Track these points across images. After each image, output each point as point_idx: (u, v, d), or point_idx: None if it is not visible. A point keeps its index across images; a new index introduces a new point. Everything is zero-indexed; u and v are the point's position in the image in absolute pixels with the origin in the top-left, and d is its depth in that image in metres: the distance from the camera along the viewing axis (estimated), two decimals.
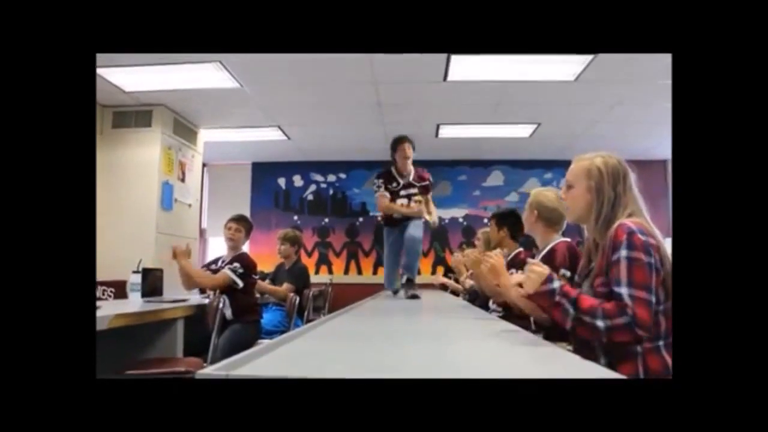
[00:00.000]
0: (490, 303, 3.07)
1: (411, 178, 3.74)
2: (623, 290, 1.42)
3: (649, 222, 1.57)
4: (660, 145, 6.34)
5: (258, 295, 4.00)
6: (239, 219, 3.75)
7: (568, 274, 2.22)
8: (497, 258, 2.13)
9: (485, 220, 6.89)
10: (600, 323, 1.43)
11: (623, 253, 1.46)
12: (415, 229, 3.59)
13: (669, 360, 1.42)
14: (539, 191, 2.52)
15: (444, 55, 3.98)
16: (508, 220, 3.23)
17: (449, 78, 4.37)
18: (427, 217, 3.69)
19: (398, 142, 3.69)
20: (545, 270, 1.59)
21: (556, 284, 1.55)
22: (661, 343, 1.44)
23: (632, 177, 1.64)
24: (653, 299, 1.42)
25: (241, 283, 3.43)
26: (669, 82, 4.32)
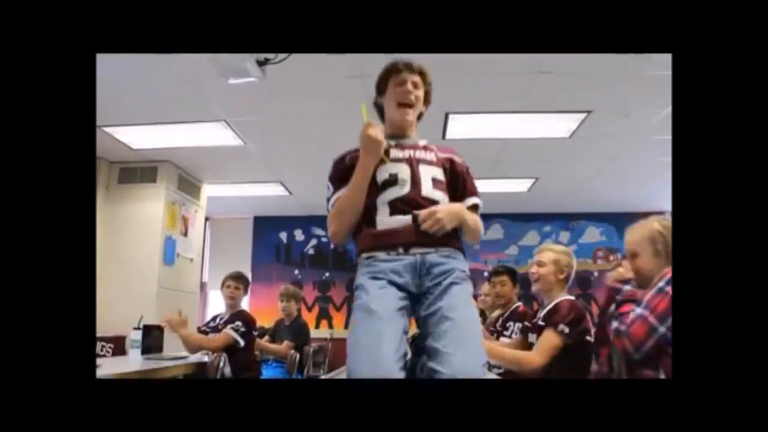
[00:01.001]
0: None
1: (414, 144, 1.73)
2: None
3: None
4: (656, 197, 6.41)
5: (257, 352, 3.98)
6: (237, 277, 3.76)
7: (567, 330, 2.24)
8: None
9: (485, 274, 6.89)
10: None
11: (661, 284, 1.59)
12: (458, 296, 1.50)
13: None
14: (566, 251, 2.57)
15: (442, 114, 4.10)
16: (519, 277, 3.34)
17: (447, 136, 4.49)
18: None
19: (391, 72, 1.74)
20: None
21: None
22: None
23: None
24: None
25: (242, 342, 3.44)
26: (663, 137, 4.46)
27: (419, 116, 1.76)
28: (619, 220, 6.89)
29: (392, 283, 1.46)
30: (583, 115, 4.13)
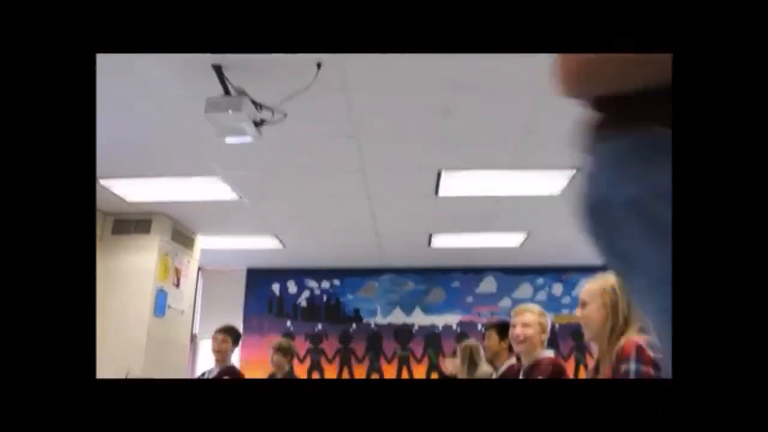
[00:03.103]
0: None
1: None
2: None
3: (656, 338, 1.63)
4: None
5: None
6: (227, 330, 3.73)
7: None
8: None
9: (479, 326, 6.86)
10: None
11: (632, 366, 1.51)
12: None
13: None
14: (543, 312, 2.61)
15: (435, 172, 4.18)
16: (509, 332, 3.28)
17: (440, 194, 4.56)
18: None
19: None
20: None
21: None
22: None
23: None
24: None
25: None
26: None
27: None
28: None
29: None
30: (573, 172, 4.21)
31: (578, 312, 1.84)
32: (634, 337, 1.58)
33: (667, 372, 1.51)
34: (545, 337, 2.52)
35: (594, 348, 1.82)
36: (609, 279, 1.76)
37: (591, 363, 1.88)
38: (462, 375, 3.75)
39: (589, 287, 1.81)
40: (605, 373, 1.63)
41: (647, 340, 1.57)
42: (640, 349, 1.53)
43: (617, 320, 1.68)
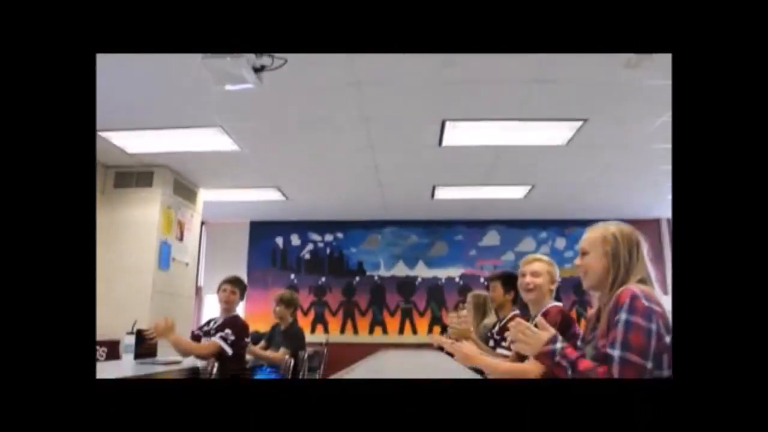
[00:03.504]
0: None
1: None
2: (615, 352, 1.45)
3: (658, 290, 1.60)
4: (653, 205, 6.43)
5: (250, 358, 3.97)
6: (234, 281, 3.74)
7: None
8: (468, 347, 2.26)
9: (482, 280, 6.90)
10: None
11: (623, 316, 1.49)
12: None
13: None
14: (553, 262, 2.59)
15: (439, 121, 4.10)
16: (515, 283, 3.27)
17: (444, 143, 4.49)
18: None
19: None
20: (548, 332, 1.65)
21: (559, 345, 1.60)
22: None
23: (645, 246, 1.70)
24: (648, 365, 1.43)
25: (230, 351, 3.42)
26: (660, 146, 4.47)
27: None
28: None
29: None
30: (579, 123, 4.14)
31: (578, 261, 1.82)
32: (631, 286, 1.55)
33: (661, 321, 1.48)
34: (554, 287, 2.51)
35: (594, 300, 1.80)
36: (610, 227, 1.73)
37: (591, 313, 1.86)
38: (468, 323, 3.77)
39: (590, 236, 1.77)
40: (601, 326, 1.61)
41: (644, 290, 1.54)
42: (634, 299, 1.50)
43: (618, 269, 1.65)
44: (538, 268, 2.53)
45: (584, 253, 1.77)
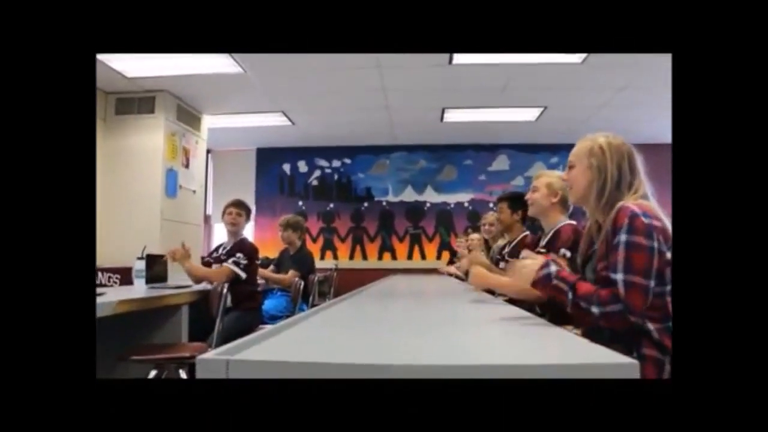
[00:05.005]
0: None
1: None
2: (618, 276, 1.40)
3: (656, 204, 1.54)
4: (668, 129, 6.25)
5: (262, 281, 4.00)
6: (239, 204, 3.73)
7: (568, 254, 2.22)
8: (477, 270, 2.31)
9: (491, 205, 6.86)
10: (595, 309, 1.42)
11: (623, 237, 1.43)
12: None
13: None
14: (559, 175, 2.51)
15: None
16: (522, 204, 3.20)
17: (454, 61, 4.32)
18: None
19: None
20: (537, 260, 1.60)
21: (553, 269, 1.54)
22: (670, 323, 1.42)
23: (639, 159, 1.61)
24: (651, 284, 1.39)
25: (244, 275, 3.46)
26: None
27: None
28: None
29: None
30: None
31: (564, 175, 1.74)
32: (628, 204, 1.47)
33: (661, 237, 1.44)
34: (556, 200, 2.43)
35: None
36: (598, 139, 1.64)
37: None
38: (476, 248, 3.77)
39: (576, 149, 1.69)
40: (600, 247, 1.55)
41: (642, 205, 1.47)
42: (633, 218, 1.43)
43: (605, 183, 1.57)
44: (535, 183, 2.51)
45: (571, 167, 1.69)
